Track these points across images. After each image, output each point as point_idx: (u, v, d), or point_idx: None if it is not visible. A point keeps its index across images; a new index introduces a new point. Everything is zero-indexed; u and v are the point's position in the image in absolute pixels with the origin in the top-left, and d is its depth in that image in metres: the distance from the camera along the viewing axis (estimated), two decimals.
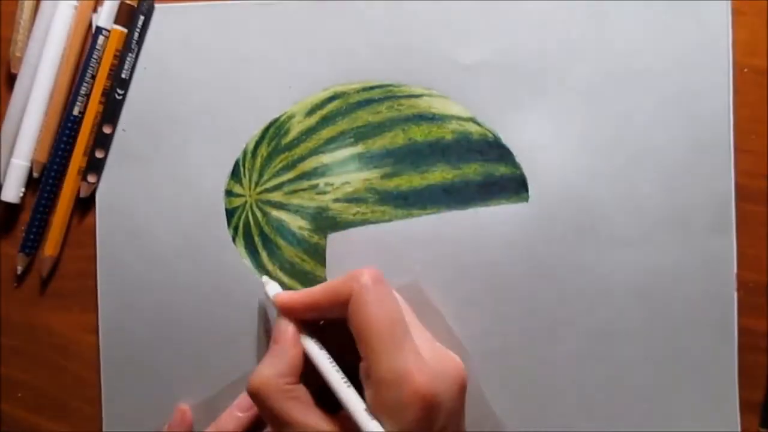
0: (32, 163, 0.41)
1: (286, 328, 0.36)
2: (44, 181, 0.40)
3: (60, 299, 0.42)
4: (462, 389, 0.35)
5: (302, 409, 0.34)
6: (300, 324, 0.36)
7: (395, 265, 0.40)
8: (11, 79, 0.41)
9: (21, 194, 0.41)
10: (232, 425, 0.39)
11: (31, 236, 0.41)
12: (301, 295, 0.36)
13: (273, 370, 0.34)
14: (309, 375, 0.35)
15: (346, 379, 0.34)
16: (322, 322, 0.37)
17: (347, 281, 0.34)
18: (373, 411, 0.32)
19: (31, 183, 0.41)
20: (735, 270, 0.41)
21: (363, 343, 0.33)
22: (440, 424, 0.33)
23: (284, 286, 0.40)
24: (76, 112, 0.40)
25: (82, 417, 0.41)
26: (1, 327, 0.42)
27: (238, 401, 0.40)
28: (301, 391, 0.34)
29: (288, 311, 0.36)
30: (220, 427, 0.39)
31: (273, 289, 0.38)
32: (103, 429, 0.41)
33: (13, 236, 0.42)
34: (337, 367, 0.34)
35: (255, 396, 0.34)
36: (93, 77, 0.40)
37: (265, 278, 0.39)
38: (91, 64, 0.40)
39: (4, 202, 0.41)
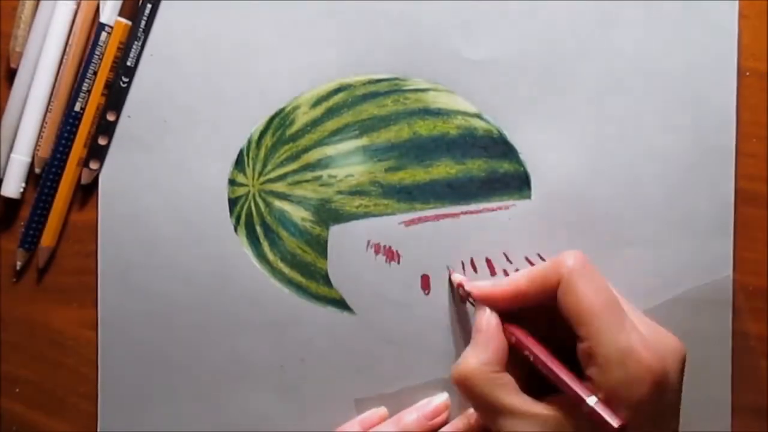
0: (34, 159, 0.40)
1: (489, 318, 0.36)
2: (45, 176, 0.40)
3: (59, 295, 0.41)
4: (683, 363, 0.35)
5: (511, 395, 0.34)
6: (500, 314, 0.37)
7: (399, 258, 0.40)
8: (11, 75, 0.41)
9: (21, 189, 0.40)
10: (415, 426, 0.39)
11: (31, 231, 0.41)
12: (504, 285, 0.37)
13: (479, 359, 0.35)
14: (511, 364, 0.36)
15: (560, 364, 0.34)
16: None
17: (554, 267, 0.35)
18: (602, 390, 0.32)
19: (31, 178, 0.41)
20: (731, 273, 0.41)
21: (582, 324, 0.33)
22: (668, 399, 0.33)
23: (285, 277, 0.40)
24: (77, 108, 0.40)
25: (81, 413, 0.41)
26: (0, 322, 0.41)
27: (428, 409, 0.40)
28: (508, 378, 0.35)
29: (491, 303, 0.37)
30: (403, 425, 0.39)
31: (462, 280, 0.39)
32: (99, 426, 0.41)
33: (13, 231, 0.41)
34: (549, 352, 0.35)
35: (462, 384, 0.35)
36: (95, 73, 0.40)
37: (453, 273, 0.40)
38: (94, 60, 0.40)
39: (3, 198, 0.40)
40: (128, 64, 0.40)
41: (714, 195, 0.41)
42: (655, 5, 0.41)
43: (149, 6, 0.40)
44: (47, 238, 0.40)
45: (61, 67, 0.40)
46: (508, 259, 0.41)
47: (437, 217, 0.41)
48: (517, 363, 0.36)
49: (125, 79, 0.40)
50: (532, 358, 0.35)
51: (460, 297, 0.40)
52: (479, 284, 0.38)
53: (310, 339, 0.40)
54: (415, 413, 0.40)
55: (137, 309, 0.41)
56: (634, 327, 0.33)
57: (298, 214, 0.41)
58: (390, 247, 0.40)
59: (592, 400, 0.32)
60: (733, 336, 0.41)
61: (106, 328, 0.41)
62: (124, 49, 0.40)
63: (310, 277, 0.40)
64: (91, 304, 0.41)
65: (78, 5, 0.40)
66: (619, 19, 0.41)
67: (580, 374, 0.34)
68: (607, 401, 0.32)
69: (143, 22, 0.40)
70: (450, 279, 0.40)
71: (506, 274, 0.41)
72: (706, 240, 0.41)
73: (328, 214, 0.41)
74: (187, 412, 0.41)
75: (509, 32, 0.41)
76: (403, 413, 0.40)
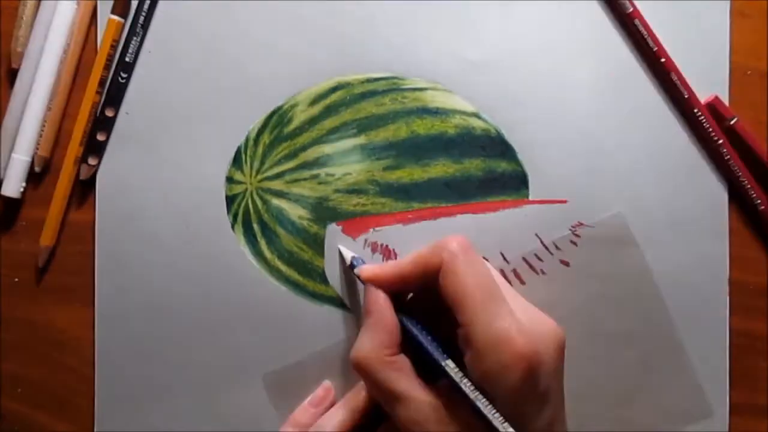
0: (34, 158, 0.40)
1: (377, 299, 0.36)
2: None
3: (60, 295, 0.41)
4: (561, 349, 0.35)
5: (408, 380, 0.34)
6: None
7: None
8: (12, 75, 0.41)
9: (21, 189, 0.40)
10: (307, 419, 0.39)
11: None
12: (389, 267, 0.36)
13: (373, 342, 0.35)
14: (406, 344, 0.35)
15: (441, 350, 0.34)
16: (410, 295, 0.38)
17: (436, 251, 0.35)
18: (476, 375, 0.33)
19: (31, 178, 0.41)
20: (727, 273, 0.41)
21: (460, 309, 0.33)
22: (543, 385, 0.33)
23: (282, 275, 0.40)
24: None
25: (83, 413, 0.41)
26: (1, 322, 0.41)
27: (311, 397, 0.40)
28: (403, 361, 0.35)
29: (378, 283, 0.36)
30: (296, 423, 0.40)
31: (354, 261, 0.39)
32: (96, 425, 0.41)
33: (14, 231, 0.41)
34: (432, 338, 0.35)
35: (359, 369, 0.35)
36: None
37: (342, 248, 0.40)
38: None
39: (4, 197, 0.40)
40: (127, 59, 0.40)
41: (710, 195, 0.41)
42: (650, 6, 0.41)
43: (148, 1, 0.40)
44: (46, 238, 0.41)
45: (61, 67, 0.40)
46: (505, 259, 0.41)
47: (434, 216, 0.41)
48: (410, 345, 0.35)
49: (124, 75, 0.40)
50: (416, 343, 0.35)
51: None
52: (366, 266, 0.38)
53: (306, 337, 0.41)
54: (360, 393, 0.39)
55: (134, 307, 0.41)
56: (510, 313, 0.33)
57: (296, 212, 0.41)
58: (387, 246, 0.41)
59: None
60: (732, 335, 0.41)
61: (103, 326, 0.41)
62: (123, 44, 0.40)
63: (307, 275, 0.40)
64: (92, 303, 0.41)
65: (78, 5, 0.40)
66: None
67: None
68: (481, 387, 0.32)
69: (142, 18, 0.40)
70: (340, 254, 0.40)
71: (503, 274, 0.41)
72: (702, 240, 0.41)
73: (325, 213, 0.41)
74: (183, 410, 0.41)
75: (508, 32, 0.41)
76: (349, 394, 0.40)
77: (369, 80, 0.41)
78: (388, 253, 0.40)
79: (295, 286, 0.40)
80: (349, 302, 0.41)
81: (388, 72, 0.41)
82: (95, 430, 0.41)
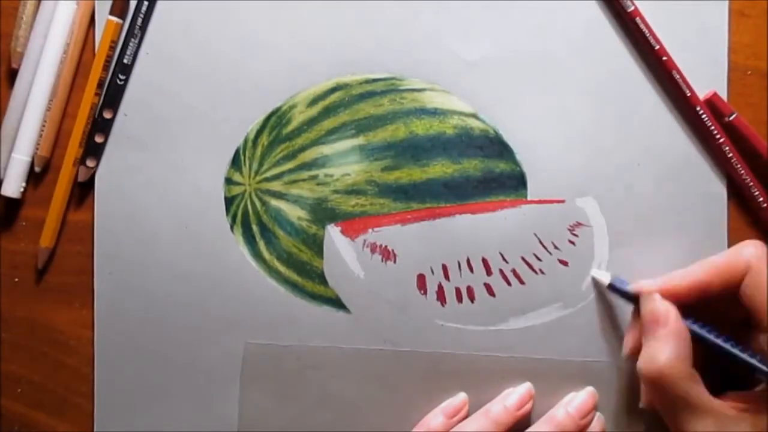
0: (34, 158, 0.41)
1: (668, 310, 0.36)
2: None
3: (60, 295, 0.41)
4: None
5: (705, 393, 0.34)
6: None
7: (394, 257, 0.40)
8: (12, 75, 0.41)
9: (21, 189, 0.41)
10: (438, 427, 0.39)
11: None
12: (680, 278, 0.36)
13: (673, 353, 0.34)
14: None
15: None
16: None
17: (738, 256, 0.35)
18: None
19: (31, 178, 0.41)
20: None
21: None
22: None
23: (281, 276, 0.40)
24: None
25: (82, 413, 0.41)
26: (1, 322, 0.41)
27: (446, 405, 0.40)
28: (698, 375, 0.34)
29: (670, 296, 0.36)
30: (428, 426, 0.39)
31: (615, 281, 0.39)
32: (95, 425, 0.41)
33: (14, 231, 0.41)
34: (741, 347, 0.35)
35: (659, 380, 0.34)
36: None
37: (596, 272, 0.40)
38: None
39: (4, 197, 0.41)
40: (125, 61, 0.40)
41: (710, 195, 0.41)
42: (649, 6, 0.40)
43: (146, 3, 0.40)
44: (46, 239, 0.41)
45: (61, 67, 0.40)
46: (504, 259, 0.41)
47: (433, 217, 0.41)
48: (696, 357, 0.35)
49: (122, 77, 0.40)
50: (719, 345, 0.35)
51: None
52: (648, 282, 0.37)
53: (306, 338, 0.41)
54: (500, 404, 0.39)
55: (133, 308, 0.41)
56: None
57: (295, 213, 0.41)
58: (386, 247, 0.41)
59: None
60: None
61: (103, 326, 0.41)
62: (121, 46, 0.40)
63: (306, 276, 0.41)
64: (92, 304, 0.41)
65: (78, 5, 0.40)
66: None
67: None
68: None
69: (140, 20, 0.40)
70: (594, 279, 0.40)
71: (502, 273, 0.41)
72: (701, 239, 0.41)
73: (324, 214, 0.41)
74: (183, 410, 0.41)
75: (506, 32, 0.41)
76: (489, 405, 0.40)
77: (367, 81, 0.41)
78: (387, 254, 0.41)
79: (294, 287, 0.41)
80: (348, 303, 0.41)
81: (386, 73, 0.41)
82: (95, 430, 0.41)
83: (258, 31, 0.41)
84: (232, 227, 0.41)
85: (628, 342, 0.38)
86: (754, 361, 0.34)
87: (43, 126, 0.40)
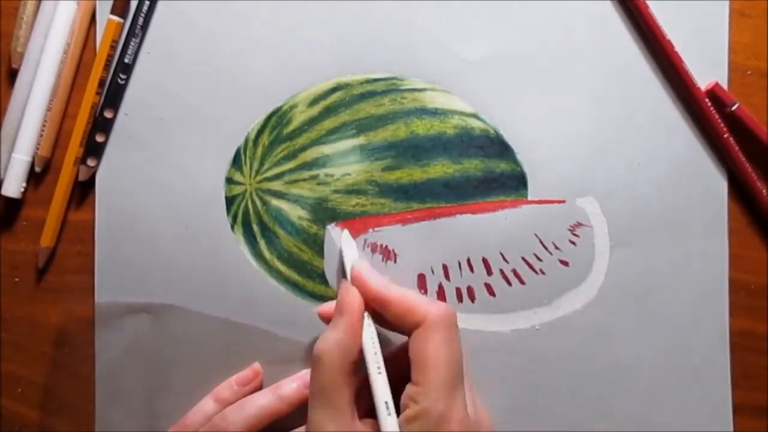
0: (35, 158, 0.41)
1: (354, 301, 0.36)
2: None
3: (60, 295, 0.41)
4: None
5: (348, 401, 0.34)
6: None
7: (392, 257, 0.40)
8: (12, 75, 0.41)
9: (22, 189, 0.41)
10: (229, 396, 0.40)
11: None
12: (378, 283, 0.36)
13: (341, 344, 0.34)
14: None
15: (387, 388, 0.34)
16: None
17: (425, 305, 0.34)
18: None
19: (32, 178, 0.41)
20: (727, 273, 0.41)
21: (420, 373, 0.33)
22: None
23: (281, 276, 0.40)
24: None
25: (83, 413, 0.41)
26: (1, 322, 0.41)
27: (238, 376, 0.40)
28: (354, 380, 0.34)
29: (362, 288, 0.36)
30: (218, 398, 0.40)
31: (350, 252, 0.38)
32: (95, 425, 0.41)
33: (14, 231, 0.41)
34: (384, 371, 0.35)
35: (316, 360, 0.34)
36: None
37: (333, 227, 0.40)
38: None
39: (4, 197, 0.41)
40: (126, 61, 0.40)
41: (709, 195, 0.41)
42: (649, 6, 0.40)
43: (147, 3, 0.40)
44: (46, 238, 0.41)
45: (61, 67, 0.40)
46: (504, 259, 0.41)
47: (434, 216, 0.41)
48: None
49: (123, 76, 0.40)
50: (368, 369, 0.34)
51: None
52: (361, 264, 0.37)
53: (306, 337, 0.41)
54: (291, 382, 0.40)
55: (134, 307, 0.41)
56: (462, 399, 0.33)
57: (295, 212, 0.41)
58: (386, 246, 0.41)
59: None
60: (733, 334, 0.41)
61: (103, 326, 0.41)
62: (122, 45, 0.40)
63: (307, 275, 0.41)
64: (92, 304, 0.41)
65: (78, 5, 0.40)
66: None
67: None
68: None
69: (141, 19, 0.40)
70: (341, 253, 0.39)
71: (503, 273, 0.41)
72: (701, 239, 0.41)
73: (324, 213, 0.41)
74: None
75: (506, 32, 0.41)
76: (281, 382, 0.40)
77: (368, 81, 0.41)
78: (387, 254, 0.41)
79: (295, 287, 0.41)
80: None
81: (387, 73, 0.41)
82: (95, 430, 0.41)
83: (259, 31, 0.41)
84: (232, 227, 0.41)
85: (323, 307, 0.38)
86: (380, 404, 0.33)
87: (44, 126, 0.40)
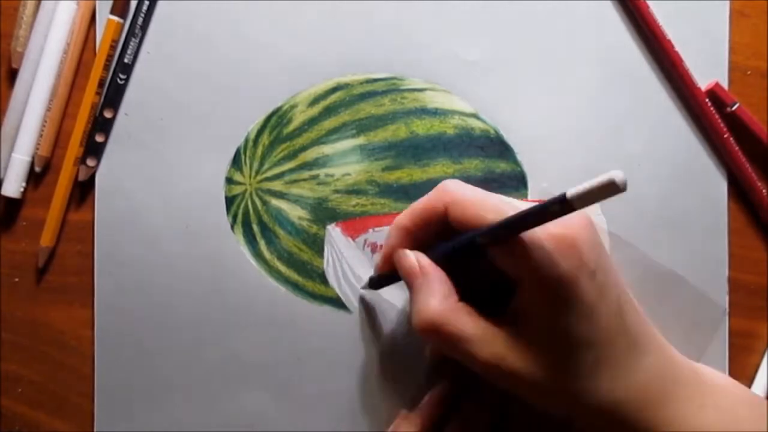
0: (34, 158, 0.40)
1: (417, 258, 0.35)
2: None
3: (60, 295, 0.41)
4: (593, 228, 0.34)
5: (480, 320, 0.33)
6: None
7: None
8: (12, 75, 0.41)
9: (22, 189, 0.40)
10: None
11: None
12: (404, 216, 0.36)
13: (436, 297, 0.34)
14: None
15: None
16: None
17: (436, 193, 0.35)
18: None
19: (32, 178, 0.41)
20: (727, 273, 0.41)
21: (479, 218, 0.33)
22: (593, 258, 0.32)
23: (281, 276, 0.40)
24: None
25: (83, 413, 0.41)
26: (1, 322, 0.41)
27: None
28: (468, 306, 0.34)
29: (405, 232, 0.36)
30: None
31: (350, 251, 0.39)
32: (95, 425, 0.41)
33: (14, 231, 0.41)
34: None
35: (433, 328, 0.33)
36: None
37: (333, 227, 0.40)
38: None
39: (4, 197, 0.40)
40: (125, 60, 0.40)
41: (709, 195, 0.41)
42: (649, 6, 0.41)
43: (147, 2, 0.40)
44: (46, 238, 0.41)
45: (61, 67, 0.40)
46: None
47: None
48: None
49: (122, 76, 0.40)
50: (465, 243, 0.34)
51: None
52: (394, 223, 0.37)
53: (306, 338, 0.41)
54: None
55: (134, 307, 0.41)
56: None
57: (295, 212, 0.41)
58: None
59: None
60: (732, 334, 0.41)
61: (103, 326, 0.41)
62: (122, 45, 0.40)
63: (307, 275, 0.41)
64: (93, 304, 0.41)
65: (78, 5, 0.40)
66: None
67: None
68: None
69: (140, 19, 0.40)
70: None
71: None
72: (701, 240, 0.41)
73: (325, 213, 0.41)
74: (183, 410, 0.41)
75: (506, 32, 0.41)
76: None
77: (368, 81, 0.41)
78: None
79: (295, 287, 0.41)
80: (349, 303, 0.41)
81: (387, 72, 0.41)
82: (95, 430, 0.41)
83: (259, 31, 0.41)
84: (232, 227, 0.41)
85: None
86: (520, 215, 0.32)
87: (44, 126, 0.40)
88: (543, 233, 0.32)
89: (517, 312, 0.33)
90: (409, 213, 0.36)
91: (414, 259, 0.35)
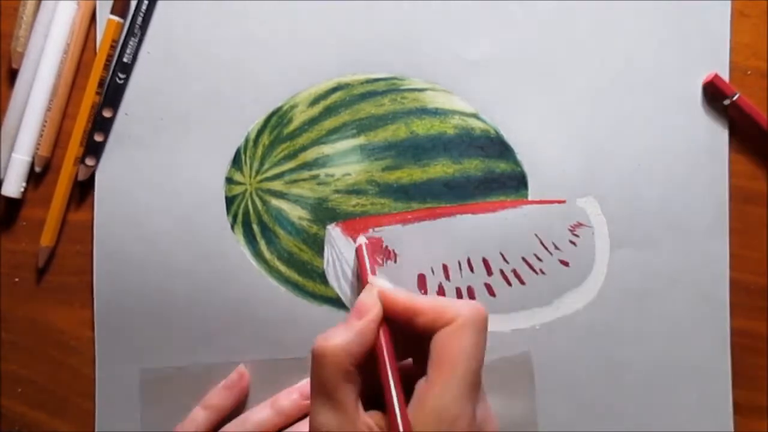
0: (34, 158, 0.40)
1: (372, 310, 0.35)
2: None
3: (60, 295, 0.41)
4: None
5: (352, 396, 0.33)
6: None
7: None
8: (12, 75, 0.41)
9: (22, 189, 0.40)
10: (220, 402, 0.40)
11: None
12: (406, 297, 0.35)
13: (345, 345, 0.34)
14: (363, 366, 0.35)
15: (402, 394, 0.34)
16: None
17: (457, 305, 0.34)
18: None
19: (32, 178, 0.41)
20: (728, 273, 0.41)
21: (438, 371, 0.33)
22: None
23: (281, 276, 0.40)
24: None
25: (83, 413, 0.41)
26: (1, 322, 0.41)
27: (226, 380, 0.40)
28: (357, 377, 0.34)
29: (387, 305, 0.35)
30: (209, 405, 0.40)
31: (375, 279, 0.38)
32: (96, 425, 0.41)
33: (14, 231, 0.41)
34: (397, 375, 0.34)
35: (319, 359, 0.34)
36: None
37: (333, 227, 0.40)
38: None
39: (4, 197, 0.40)
40: (125, 60, 0.40)
41: (710, 195, 0.41)
42: (650, 5, 0.41)
43: (146, 2, 0.40)
44: (46, 238, 0.41)
45: (61, 67, 0.40)
46: (504, 259, 0.41)
47: (434, 217, 0.41)
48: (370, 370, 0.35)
49: (122, 76, 0.40)
50: (380, 369, 0.34)
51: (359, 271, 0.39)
52: (383, 281, 0.37)
53: (306, 337, 0.41)
54: (288, 395, 0.40)
55: (134, 307, 0.41)
56: (474, 401, 0.33)
57: (295, 212, 0.41)
58: (387, 246, 0.41)
59: None
60: (733, 334, 0.41)
61: (103, 326, 0.41)
62: (121, 45, 0.40)
63: (307, 275, 0.41)
64: (92, 303, 0.41)
65: (78, 5, 0.40)
66: (615, 19, 0.41)
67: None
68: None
69: (140, 19, 0.40)
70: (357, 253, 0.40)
71: (503, 274, 0.41)
72: (702, 240, 0.41)
73: (325, 213, 0.41)
74: (183, 410, 0.41)
75: (506, 32, 0.41)
76: (277, 395, 0.40)
77: (368, 81, 0.41)
78: (387, 254, 0.41)
79: (295, 287, 0.41)
80: (348, 303, 0.41)
81: (387, 72, 0.41)
82: (96, 430, 0.41)
83: (259, 31, 0.41)
84: (232, 227, 0.41)
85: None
86: (394, 401, 0.33)
87: (44, 126, 0.40)
88: (452, 425, 0.32)
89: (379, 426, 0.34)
90: (424, 299, 0.35)
91: (370, 307, 0.35)
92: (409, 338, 0.35)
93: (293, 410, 0.39)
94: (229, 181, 0.41)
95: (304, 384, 0.40)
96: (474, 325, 0.33)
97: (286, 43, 0.41)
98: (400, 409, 0.33)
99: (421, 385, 0.33)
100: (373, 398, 0.34)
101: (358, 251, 0.39)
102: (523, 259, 0.41)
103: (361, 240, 0.40)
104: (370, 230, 0.41)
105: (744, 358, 0.42)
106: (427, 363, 0.33)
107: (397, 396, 0.33)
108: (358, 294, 0.37)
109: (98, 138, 0.40)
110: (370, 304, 0.35)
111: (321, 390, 0.34)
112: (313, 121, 0.41)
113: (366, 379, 0.34)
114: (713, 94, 0.41)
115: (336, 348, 0.34)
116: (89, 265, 0.41)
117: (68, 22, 0.40)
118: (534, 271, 0.41)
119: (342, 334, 0.34)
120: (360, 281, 0.39)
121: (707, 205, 0.41)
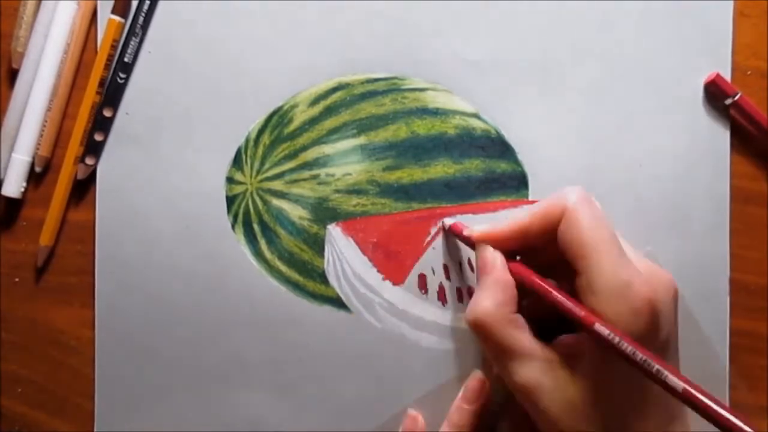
0: (35, 158, 0.40)
1: (495, 258, 0.36)
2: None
3: (60, 295, 0.41)
4: (676, 299, 0.35)
5: (528, 339, 0.34)
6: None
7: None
8: (12, 75, 0.41)
9: (22, 189, 0.40)
10: (464, 420, 0.40)
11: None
12: (504, 225, 0.36)
13: (493, 300, 0.34)
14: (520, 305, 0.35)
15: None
16: (518, 257, 0.37)
17: (556, 203, 0.34)
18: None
19: (32, 178, 0.41)
20: (728, 273, 0.41)
21: (583, 257, 0.33)
22: (663, 333, 0.33)
23: (282, 276, 0.40)
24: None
25: (83, 413, 0.41)
26: (1, 322, 0.41)
27: (463, 394, 0.40)
28: (522, 320, 0.34)
29: (494, 242, 0.36)
30: (453, 424, 0.40)
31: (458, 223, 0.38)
32: (95, 425, 0.41)
33: (14, 231, 0.41)
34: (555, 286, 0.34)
35: (479, 327, 0.34)
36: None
37: (334, 227, 0.40)
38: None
39: (4, 197, 0.40)
40: (125, 60, 0.40)
41: (710, 195, 0.41)
42: (651, 5, 0.41)
43: (147, 2, 0.40)
44: (45, 237, 0.41)
45: (61, 67, 0.40)
46: None
47: (435, 217, 0.41)
48: (520, 307, 0.35)
49: (122, 75, 0.40)
50: (541, 292, 0.34)
51: (457, 240, 0.39)
52: (478, 227, 0.37)
53: (307, 337, 0.41)
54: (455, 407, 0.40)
55: (133, 308, 0.41)
56: (630, 262, 0.33)
57: (296, 212, 0.41)
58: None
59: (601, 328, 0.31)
60: (733, 334, 0.41)
61: (103, 326, 0.41)
62: (122, 45, 0.40)
63: (307, 275, 0.40)
64: (93, 304, 0.41)
65: (78, 5, 0.40)
66: (616, 19, 0.41)
67: None
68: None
69: (141, 18, 0.40)
70: (444, 230, 0.40)
71: None
72: (702, 240, 0.41)
73: (325, 213, 0.41)
74: (183, 410, 0.41)
75: (507, 32, 0.41)
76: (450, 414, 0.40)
77: (369, 81, 0.41)
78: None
79: (295, 287, 0.41)
80: (349, 303, 0.41)
81: (388, 72, 0.41)
82: (95, 430, 0.41)
83: (260, 31, 0.41)
84: (233, 226, 0.41)
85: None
86: (575, 311, 0.33)
87: (44, 126, 0.40)
88: (629, 289, 0.32)
89: (570, 348, 0.34)
90: (526, 212, 0.36)
91: (492, 257, 0.36)
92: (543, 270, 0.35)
93: (465, 420, 0.39)
94: (230, 180, 0.41)
95: (457, 401, 0.40)
96: (585, 201, 0.34)
97: (287, 43, 0.41)
98: (574, 303, 0.33)
99: (579, 284, 0.33)
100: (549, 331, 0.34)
101: (453, 227, 0.39)
102: None
103: (447, 221, 0.40)
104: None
105: (744, 358, 0.42)
106: (570, 268, 0.33)
107: (566, 297, 0.33)
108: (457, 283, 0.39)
109: (98, 137, 0.40)
110: (489, 257, 0.36)
111: (502, 352, 0.34)
112: (313, 121, 0.41)
113: (534, 320, 0.35)
114: (714, 93, 0.41)
115: (488, 309, 0.34)
116: (89, 265, 0.41)
117: (68, 22, 0.40)
118: None
119: (483, 295, 0.35)
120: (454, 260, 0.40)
121: (708, 206, 0.41)
